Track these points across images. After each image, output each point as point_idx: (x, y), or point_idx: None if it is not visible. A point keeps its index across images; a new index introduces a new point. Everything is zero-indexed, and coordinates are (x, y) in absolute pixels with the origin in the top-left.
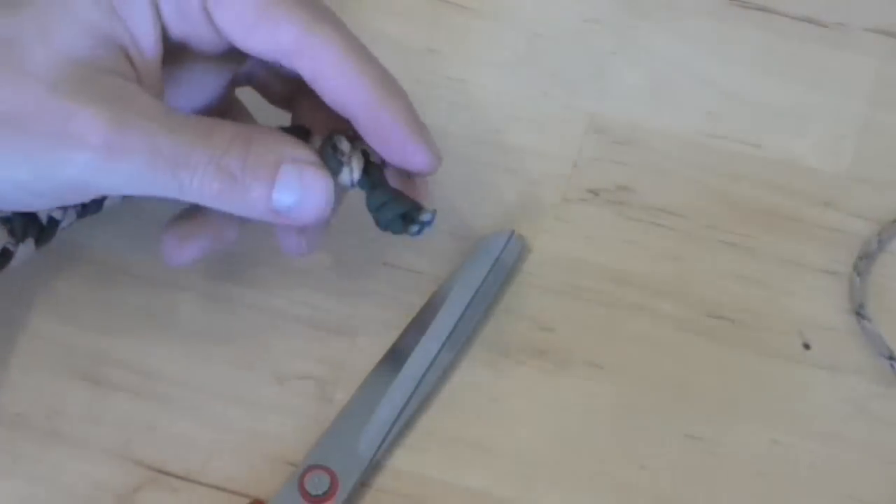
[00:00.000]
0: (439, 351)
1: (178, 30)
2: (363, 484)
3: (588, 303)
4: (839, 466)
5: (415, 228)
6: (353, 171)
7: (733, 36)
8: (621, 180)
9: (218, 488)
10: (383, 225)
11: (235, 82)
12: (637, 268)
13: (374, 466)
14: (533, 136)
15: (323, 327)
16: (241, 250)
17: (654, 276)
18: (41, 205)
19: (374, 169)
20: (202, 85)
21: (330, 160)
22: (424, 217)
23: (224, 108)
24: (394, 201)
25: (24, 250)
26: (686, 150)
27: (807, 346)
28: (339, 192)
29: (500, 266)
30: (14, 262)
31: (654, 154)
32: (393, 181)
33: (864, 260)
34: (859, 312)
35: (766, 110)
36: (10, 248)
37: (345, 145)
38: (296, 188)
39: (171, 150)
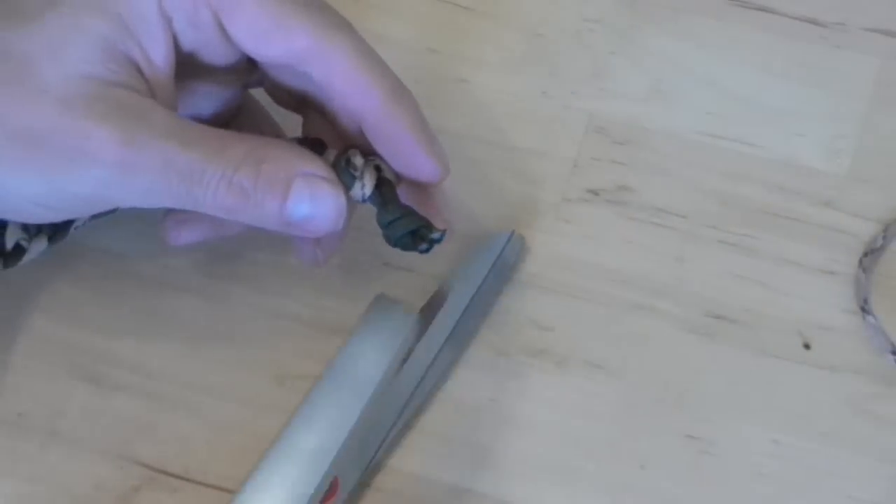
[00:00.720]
0: (439, 351)
1: (189, 42)
2: (363, 484)
3: (588, 303)
4: (839, 466)
5: (424, 246)
6: (364, 186)
7: (733, 36)
8: (621, 180)
9: (218, 488)
10: (393, 241)
11: (246, 86)
12: (637, 268)
13: (374, 466)
14: (533, 136)
15: (323, 327)
16: (241, 250)
17: (654, 276)
18: (55, 217)
19: (386, 185)
20: (214, 93)
21: (343, 174)
22: (434, 235)
23: (237, 110)
24: (404, 218)
25: (37, 247)
26: (686, 150)
27: (807, 346)
28: (351, 205)
29: (500, 266)
30: (26, 258)
31: (654, 154)
32: (410, 194)
33: (869, 256)
34: (864, 308)
35: (767, 110)
36: (24, 243)
37: (358, 160)
38: (308, 202)
39: (184, 165)
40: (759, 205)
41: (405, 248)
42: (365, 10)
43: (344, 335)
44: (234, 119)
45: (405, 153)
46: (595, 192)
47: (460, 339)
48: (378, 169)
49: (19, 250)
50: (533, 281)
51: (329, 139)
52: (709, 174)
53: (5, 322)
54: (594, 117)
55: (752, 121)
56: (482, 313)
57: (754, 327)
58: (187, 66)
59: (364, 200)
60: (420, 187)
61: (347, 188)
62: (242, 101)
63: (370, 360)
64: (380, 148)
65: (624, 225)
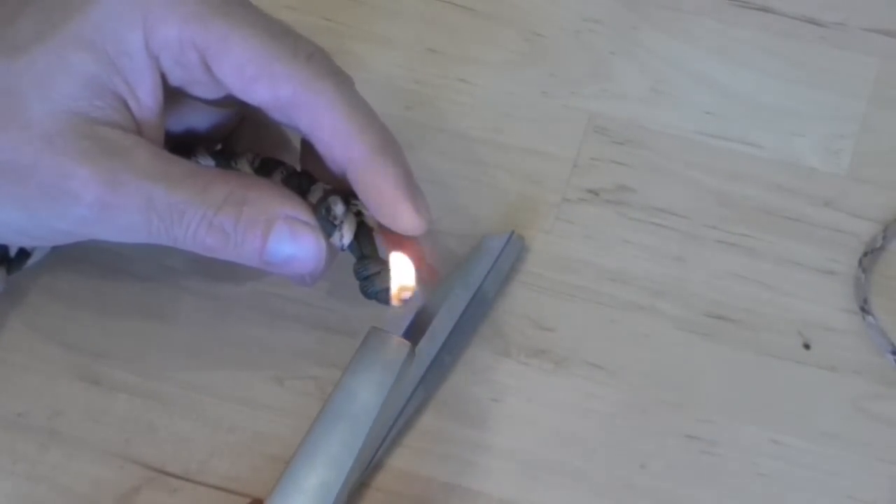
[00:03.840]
0: (439, 351)
1: (177, 79)
2: (363, 484)
3: (588, 303)
4: (839, 466)
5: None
6: (343, 237)
7: (733, 36)
8: (621, 180)
9: (218, 488)
10: (368, 294)
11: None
12: (637, 268)
13: (374, 466)
14: (533, 136)
15: (323, 327)
16: None
17: (654, 276)
18: (37, 244)
19: (365, 235)
20: (210, 110)
21: (322, 221)
22: (406, 295)
23: (239, 121)
24: (381, 274)
25: (40, 251)
26: (686, 150)
27: (807, 346)
28: (332, 250)
29: (500, 266)
30: (31, 262)
31: (654, 154)
32: (393, 237)
33: (869, 256)
34: (863, 308)
35: (767, 110)
36: (27, 248)
37: (339, 208)
38: (288, 246)
39: (165, 207)
40: (759, 205)
41: (379, 301)
42: (365, 11)
43: (343, 335)
44: (237, 129)
45: (387, 206)
46: (595, 192)
47: (460, 339)
48: (359, 214)
49: (23, 255)
50: (533, 281)
51: (321, 167)
52: (709, 174)
53: (5, 322)
54: (594, 117)
55: (752, 121)
56: (482, 313)
57: (754, 327)
58: (177, 95)
59: (342, 249)
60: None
61: (327, 235)
62: (245, 112)
63: (366, 397)
64: (362, 198)
65: (624, 225)
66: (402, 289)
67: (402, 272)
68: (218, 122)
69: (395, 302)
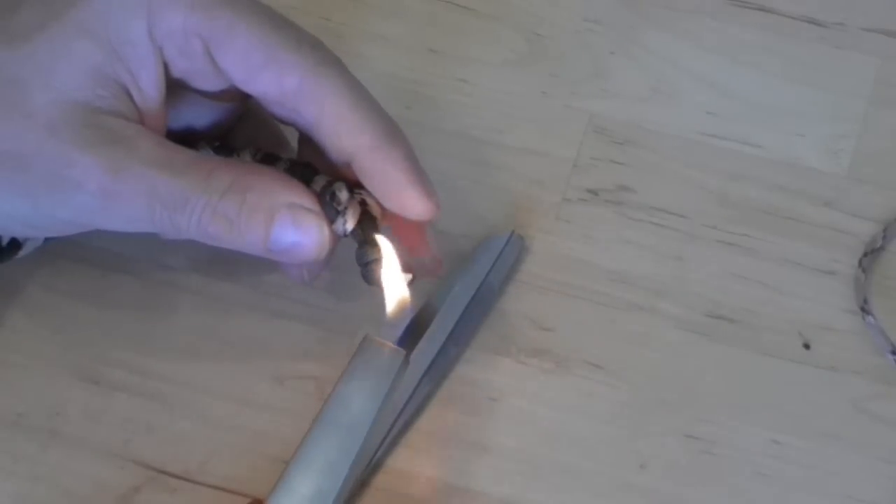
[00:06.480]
0: (439, 351)
1: (180, 70)
2: (363, 484)
3: (588, 303)
4: (839, 466)
5: None
6: (346, 223)
7: (733, 36)
8: (621, 180)
9: (217, 488)
10: (370, 281)
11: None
12: (637, 268)
13: (374, 466)
14: (533, 136)
15: (323, 327)
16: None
17: (654, 276)
18: (41, 235)
19: (369, 222)
20: (210, 106)
21: (326, 207)
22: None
23: (238, 118)
24: (382, 261)
25: (33, 242)
26: (686, 150)
27: (807, 346)
28: (335, 236)
29: (500, 266)
30: (22, 254)
31: (654, 154)
32: (398, 226)
33: (869, 256)
34: (863, 308)
35: (767, 110)
36: (19, 239)
37: (343, 194)
38: (291, 233)
39: (168, 194)
40: (759, 205)
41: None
42: (364, 11)
43: (343, 335)
44: (236, 126)
45: (395, 190)
46: (595, 192)
47: (460, 338)
48: (363, 204)
49: (14, 246)
50: (533, 281)
51: (320, 164)
52: (709, 174)
53: (5, 322)
54: (594, 117)
55: (752, 121)
56: (482, 313)
57: (754, 327)
58: (180, 88)
59: (345, 235)
60: (408, 223)
61: (330, 221)
62: (244, 109)
63: (360, 406)
64: (369, 185)
65: (624, 225)
66: (401, 274)
67: (399, 257)
68: (217, 119)
69: (393, 285)
